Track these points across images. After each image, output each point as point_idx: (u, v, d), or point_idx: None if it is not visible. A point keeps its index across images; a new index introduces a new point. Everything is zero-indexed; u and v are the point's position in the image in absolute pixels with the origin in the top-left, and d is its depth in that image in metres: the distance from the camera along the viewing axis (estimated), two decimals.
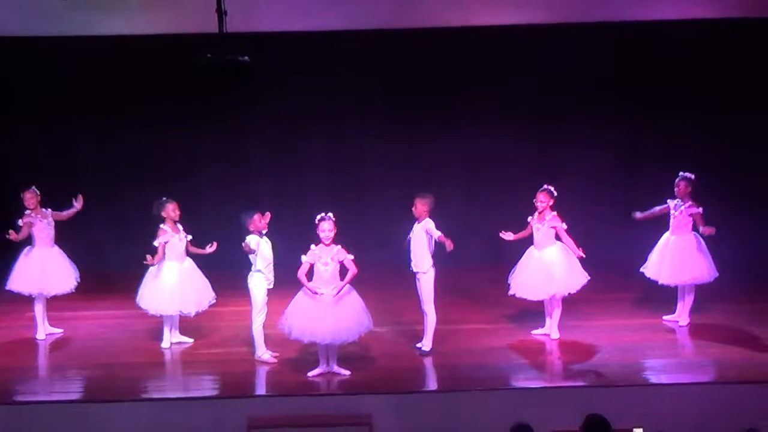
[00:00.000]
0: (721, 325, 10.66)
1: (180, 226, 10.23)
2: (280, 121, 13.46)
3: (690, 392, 8.91)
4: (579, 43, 12.90)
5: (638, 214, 10.74)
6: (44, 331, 10.69)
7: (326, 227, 9.12)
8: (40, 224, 10.58)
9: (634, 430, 7.45)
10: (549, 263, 10.08)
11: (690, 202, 10.48)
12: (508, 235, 10.22)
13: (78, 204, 10.83)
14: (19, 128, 13.50)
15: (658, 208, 10.71)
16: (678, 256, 10.49)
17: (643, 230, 12.76)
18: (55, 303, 10.88)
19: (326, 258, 9.13)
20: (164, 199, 10.21)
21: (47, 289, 10.56)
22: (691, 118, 13.33)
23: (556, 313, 10.25)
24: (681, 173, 10.60)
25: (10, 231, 10.31)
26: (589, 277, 10.10)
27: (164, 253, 10.07)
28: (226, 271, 10.33)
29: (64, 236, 10.91)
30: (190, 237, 10.26)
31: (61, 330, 10.87)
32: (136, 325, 10.86)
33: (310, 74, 13.13)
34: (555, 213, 10.19)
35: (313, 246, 9.23)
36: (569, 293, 10.11)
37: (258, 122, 13.46)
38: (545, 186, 10.33)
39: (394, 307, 11.06)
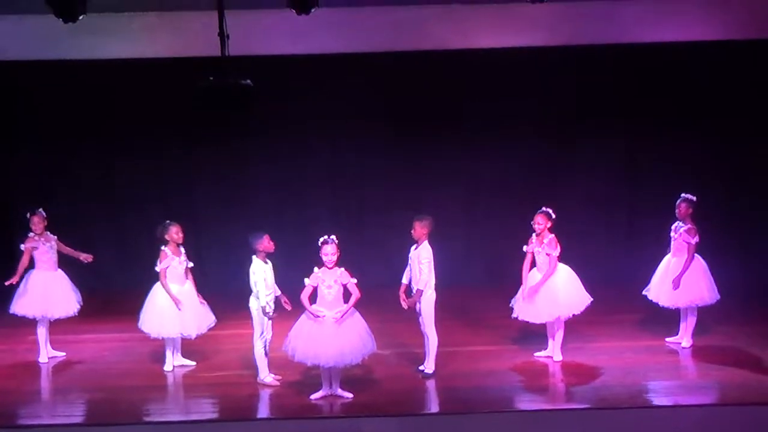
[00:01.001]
0: (724, 347, 10.64)
1: (182, 249, 10.24)
2: (282, 143, 13.49)
3: (693, 414, 8.89)
4: (580, 65, 12.95)
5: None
6: (47, 354, 10.69)
7: (329, 250, 9.13)
8: (43, 248, 10.60)
9: None
10: (552, 286, 10.07)
11: (689, 226, 10.39)
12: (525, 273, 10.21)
13: (84, 258, 10.83)
14: (20, 151, 13.53)
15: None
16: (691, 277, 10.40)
17: (644, 251, 12.83)
18: (57, 326, 10.88)
19: (329, 281, 9.13)
20: (167, 222, 10.24)
21: (50, 312, 10.57)
22: (693, 139, 13.37)
23: (559, 335, 10.23)
24: (682, 195, 10.54)
25: (6, 282, 10.46)
26: (591, 299, 10.10)
27: (166, 277, 10.08)
28: (226, 293, 10.34)
29: (66, 258, 10.92)
30: (191, 264, 10.27)
31: (64, 353, 10.86)
32: (139, 348, 10.85)
33: (312, 97, 13.17)
34: (553, 236, 10.15)
35: (316, 269, 9.24)
36: (572, 315, 10.11)
37: (259, 145, 13.49)
38: (543, 208, 10.28)
39: (396, 329, 11.05)
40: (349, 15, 11.95)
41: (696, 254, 10.43)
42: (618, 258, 13.30)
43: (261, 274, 9.54)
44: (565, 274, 10.14)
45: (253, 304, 9.67)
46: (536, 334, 10.60)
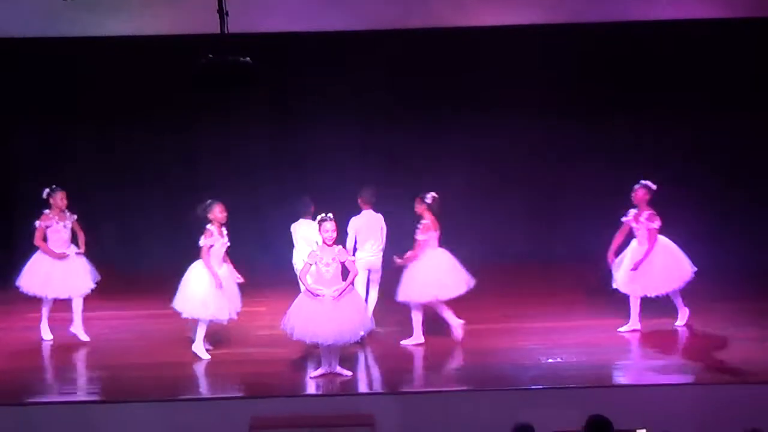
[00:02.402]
0: (724, 326, 10.59)
1: (225, 230, 9.96)
2: (282, 121, 13.47)
3: (693, 393, 8.90)
4: (581, 42, 12.90)
5: (611, 257, 10.37)
6: (48, 332, 10.57)
7: (329, 227, 9.13)
8: (56, 226, 10.35)
9: (638, 431, 7.43)
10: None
11: (650, 212, 10.15)
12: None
13: (79, 249, 10.56)
14: (19, 129, 13.52)
15: (618, 234, 10.36)
16: (657, 265, 10.22)
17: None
18: (58, 305, 10.85)
19: (327, 259, 9.13)
20: (210, 201, 9.89)
21: (54, 292, 10.38)
22: (698, 117, 13.33)
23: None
24: (641, 181, 10.29)
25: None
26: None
27: (209, 255, 9.79)
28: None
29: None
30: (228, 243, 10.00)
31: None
32: (141, 326, 10.89)
33: (312, 74, 13.14)
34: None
35: (315, 246, 9.25)
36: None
37: (259, 123, 13.48)
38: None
39: (395, 306, 11.04)
40: None
41: (661, 237, 10.24)
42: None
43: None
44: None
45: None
46: (531, 314, 10.54)
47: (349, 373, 9.32)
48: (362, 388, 9.15)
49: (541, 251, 12.84)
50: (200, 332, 9.90)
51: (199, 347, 9.89)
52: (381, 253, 10.41)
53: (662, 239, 10.28)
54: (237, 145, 13.59)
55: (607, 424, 6.65)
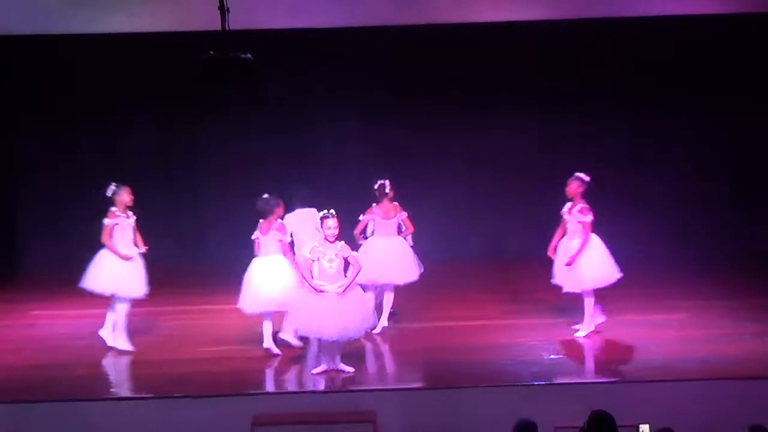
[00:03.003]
0: (724, 320, 10.62)
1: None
2: (283, 117, 13.48)
3: (695, 388, 8.90)
4: (584, 39, 12.91)
5: (550, 252, 10.17)
6: (124, 342, 10.10)
7: (331, 224, 9.11)
8: (122, 224, 10.08)
9: (641, 426, 7.42)
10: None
11: (582, 205, 9.92)
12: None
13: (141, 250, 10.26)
14: (20, 126, 13.52)
15: (558, 229, 10.14)
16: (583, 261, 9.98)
17: (653, 222, 12.83)
18: (55, 301, 10.80)
19: (330, 255, 9.12)
20: (267, 196, 9.93)
21: (123, 290, 10.02)
22: (698, 115, 13.35)
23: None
24: (576, 173, 10.08)
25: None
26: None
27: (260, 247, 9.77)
28: (229, 267, 10.32)
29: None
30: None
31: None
32: (141, 323, 10.85)
33: (313, 70, 13.14)
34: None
35: (316, 243, 9.25)
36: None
37: (260, 119, 13.48)
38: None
39: (397, 303, 11.05)
40: None
41: (593, 234, 9.99)
42: (616, 234, 13.30)
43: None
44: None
45: None
46: (536, 310, 10.59)
47: (351, 370, 9.31)
48: (364, 384, 9.15)
49: (540, 248, 12.83)
50: (267, 329, 9.78)
51: (270, 342, 9.81)
52: None
53: (594, 238, 10.02)
54: (238, 141, 13.59)
55: (609, 420, 6.65)
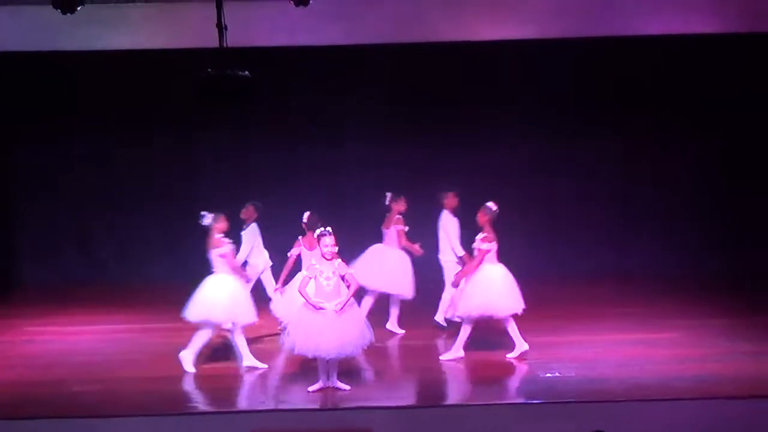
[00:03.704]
0: (718, 339, 10.64)
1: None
2: (280, 135, 13.51)
3: (690, 407, 8.90)
4: (579, 57, 12.98)
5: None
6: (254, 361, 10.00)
7: (328, 242, 9.10)
8: (233, 249, 10.11)
9: None
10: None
11: (485, 234, 9.91)
12: None
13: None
14: (18, 142, 13.54)
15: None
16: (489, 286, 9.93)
17: (642, 245, 12.87)
18: (51, 318, 10.76)
19: (327, 272, 9.11)
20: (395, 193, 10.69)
21: (238, 318, 9.89)
22: (692, 133, 13.41)
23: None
24: (485, 204, 10.11)
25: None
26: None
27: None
28: None
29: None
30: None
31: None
32: (137, 340, 10.87)
33: (310, 88, 13.19)
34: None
35: (313, 260, 9.26)
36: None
37: (258, 136, 13.51)
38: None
39: (381, 318, 11.06)
40: (347, 7, 11.98)
41: (499, 265, 10.00)
42: (612, 252, 13.36)
43: None
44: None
45: None
46: (524, 327, 10.59)
47: (348, 387, 9.32)
48: (360, 402, 9.15)
49: (537, 267, 12.86)
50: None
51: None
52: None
53: (495, 269, 9.98)
54: (236, 158, 13.61)
55: None
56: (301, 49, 12.47)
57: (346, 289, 9.14)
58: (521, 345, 10.06)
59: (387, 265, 10.80)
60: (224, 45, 9.72)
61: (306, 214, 10.54)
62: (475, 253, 10.00)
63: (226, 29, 9.72)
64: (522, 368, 9.91)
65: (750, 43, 12.66)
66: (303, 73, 13.02)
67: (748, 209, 13.49)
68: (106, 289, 12.52)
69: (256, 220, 11.12)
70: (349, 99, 13.25)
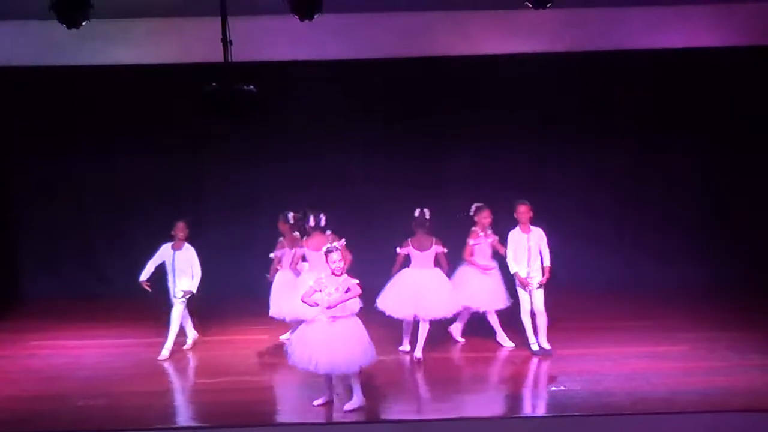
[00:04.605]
0: (727, 352, 10.60)
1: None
2: (285, 149, 13.50)
3: (698, 421, 8.86)
4: (584, 71, 12.98)
5: None
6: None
7: (335, 258, 9.02)
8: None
9: None
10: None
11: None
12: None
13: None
14: (23, 157, 13.54)
15: None
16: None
17: (644, 257, 12.82)
18: (55, 332, 10.73)
19: (330, 288, 9.00)
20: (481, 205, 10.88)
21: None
22: (697, 146, 13.39)
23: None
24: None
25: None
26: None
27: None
28: (238, 297, 10.28)
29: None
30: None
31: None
32: (142, 354, 10.83)
33: (315, 102, 13.19)
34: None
35: (322, 274, 9.21)
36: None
37: (263, 151, 13.50)
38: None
39: (398, 334, 11.04)
40: (352, 21, 12.01)
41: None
42: (620, 265, 13.31)
43: None
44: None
45: None
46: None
47: (352, 402, 9.27)
48: (364, 416, 9.11)
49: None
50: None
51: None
52: None
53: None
54: (240, 171, 13.60)
55: None
56: (306, 63, 12.49)
57: (351, 304, 9.11)
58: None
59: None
60: (229, 59, 9.74)
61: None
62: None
63: (231, 44, 9.75)
64: (529, 381, 9.88)
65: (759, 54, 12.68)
66: (308, 87, 13.02)
67: (759, 223, 13.44)
68: (110, 302, 12.49)
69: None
70: (353, 112, 13.24)
